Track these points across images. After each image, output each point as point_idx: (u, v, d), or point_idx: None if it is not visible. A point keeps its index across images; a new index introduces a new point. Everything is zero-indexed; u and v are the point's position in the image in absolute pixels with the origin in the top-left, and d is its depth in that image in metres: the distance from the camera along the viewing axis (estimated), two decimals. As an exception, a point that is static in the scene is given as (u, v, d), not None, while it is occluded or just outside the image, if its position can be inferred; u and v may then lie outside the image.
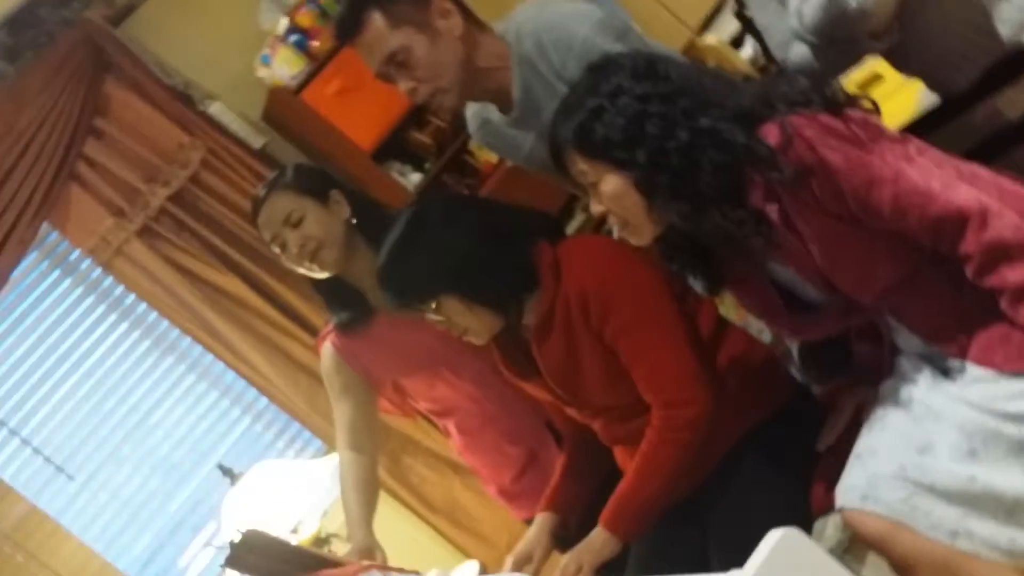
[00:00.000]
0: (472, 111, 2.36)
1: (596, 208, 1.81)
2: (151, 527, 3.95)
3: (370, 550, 2.23)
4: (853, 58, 2.04)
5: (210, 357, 4.02)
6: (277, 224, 2.38)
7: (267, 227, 2.41)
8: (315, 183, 2.43)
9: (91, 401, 3.95)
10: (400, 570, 1.26)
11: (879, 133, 1.69)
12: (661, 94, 1.71)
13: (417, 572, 1.29)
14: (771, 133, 1.65)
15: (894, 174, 1.62)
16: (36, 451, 3.85)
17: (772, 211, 1.68)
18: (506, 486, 2.57)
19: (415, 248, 2.06)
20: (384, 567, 1.24)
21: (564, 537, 2.18)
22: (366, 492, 2.51)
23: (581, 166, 1.77)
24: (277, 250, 2.42)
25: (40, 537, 3.70)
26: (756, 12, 2.12)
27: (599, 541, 1.99)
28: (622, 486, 2.02)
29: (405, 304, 2.09)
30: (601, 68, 1.80)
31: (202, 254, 4.00)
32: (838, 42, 1.92)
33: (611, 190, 1.75)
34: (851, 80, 2.48)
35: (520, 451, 2.51)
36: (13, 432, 3.83)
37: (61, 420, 3.92)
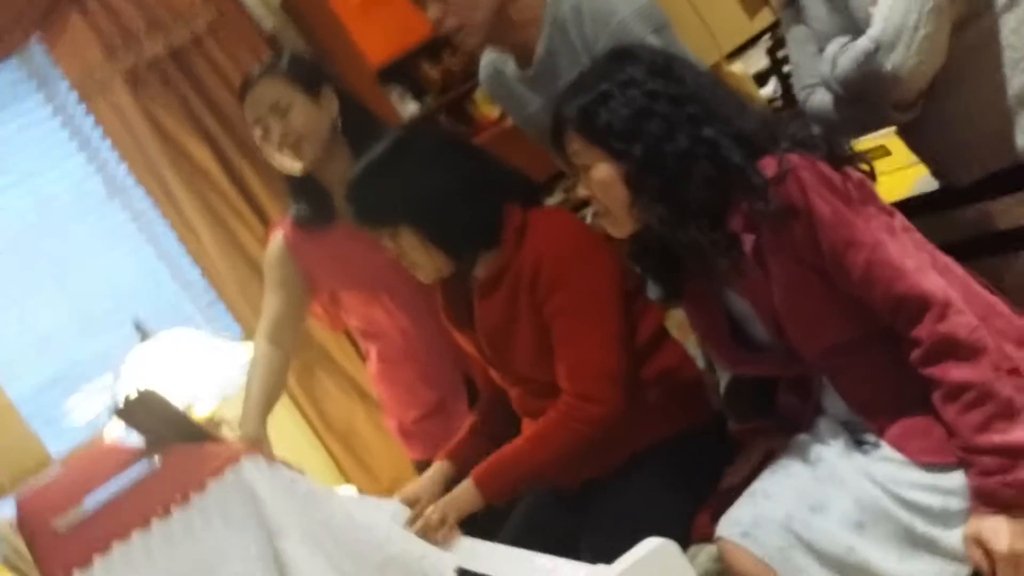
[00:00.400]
0: (488, 58, 2.34)
1: (582, 191, 1.80)
2: (51, 364, 3.91)
3: (258, 442, 2.23)
4: (871, 123, 2.04)
5: (157, 215, 3.98)
6: (263, 108, 2.35)
7: (252, 109, 2.37)
8: (309, 75, 2.39)
9: (27, 222, 3.89)
10: (286, 464, 1.26)
11: (871, 198, 1.70)
12: (671, 95, 1.70)
13: (301, 471, 1.29)
14: (768, 165, 1.65)
15: (874, 242, 1.63)
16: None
17: (747, 240, 1.68)
18: (407, 424, 2.57)
19: (392, 171, 2.04)
20: (271, 456, 1.24)
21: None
22: (270, 387, 2.51)
23: (577, 146, 1.76)
24: (259, 134, 2.38)
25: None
26: (793, 49, 2.12)
27: (464, 495, 1.99)
28: (506, 450, 2.03)
29: (364, 223, 2.08)
30: (621, 56, 1.79)
31: (181, 116, 3.96)
32: (862, 101, 1.92)
33: (600, 177, 1.74)
34: (858, 147, 2.50)
35: (431, 395, 2.50)
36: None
37: (-9, 232, 3.86)
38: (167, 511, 1.28)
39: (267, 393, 2.49)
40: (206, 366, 3.25)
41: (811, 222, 1.63)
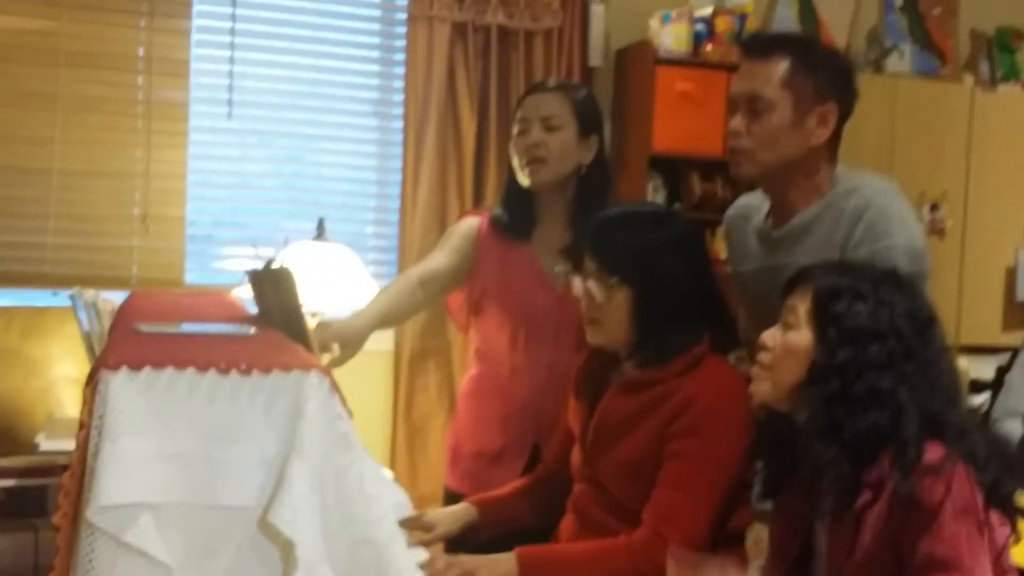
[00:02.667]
0: (745, 200, 2.33)
1: (766, 336, 1.78)
2: (239, 211, 4.11)
3: (344, 340, 2.27)
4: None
5: (399, 139, 4.14)
6: (536, 113, 2.43)
7: (527, 109, 2.46)
8: (591, 119, 2.47)
9: (297, 71, 4.12)
10: (343, 401, 1.26)
11: (997, 550, 1.62)
12: (908, 345, 1.69)
13: (351, 414, 1.29)
14: (935, 451, 1.60)
15: None
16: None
17: (866, 497, 1.64)
18: (461, 452, 2.57)
19: (652, 234, 2.03)
20: (334, 381, 1.24)
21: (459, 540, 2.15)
22: (395, 308, 2.48)
23: (800, 307, 1.75)
24: (517, 130, 2.45)
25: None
26: (1017, 370, 2.04)
27: (503, 568, 1.93)
28: (562, 549, 2.02)
29: (595, 259, 2.03)
30: (901, 282, 1.77)
31: (474, 83, 4.12)
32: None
33: (796, 343, 1.73)
34: None
35: (498, 441, 2.49)
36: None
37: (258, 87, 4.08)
38: (227, 370, 1.32)
39: (389, 309, 2.45)
40: (346, 292, 3.33)
41: (928, 531, 1.57)
